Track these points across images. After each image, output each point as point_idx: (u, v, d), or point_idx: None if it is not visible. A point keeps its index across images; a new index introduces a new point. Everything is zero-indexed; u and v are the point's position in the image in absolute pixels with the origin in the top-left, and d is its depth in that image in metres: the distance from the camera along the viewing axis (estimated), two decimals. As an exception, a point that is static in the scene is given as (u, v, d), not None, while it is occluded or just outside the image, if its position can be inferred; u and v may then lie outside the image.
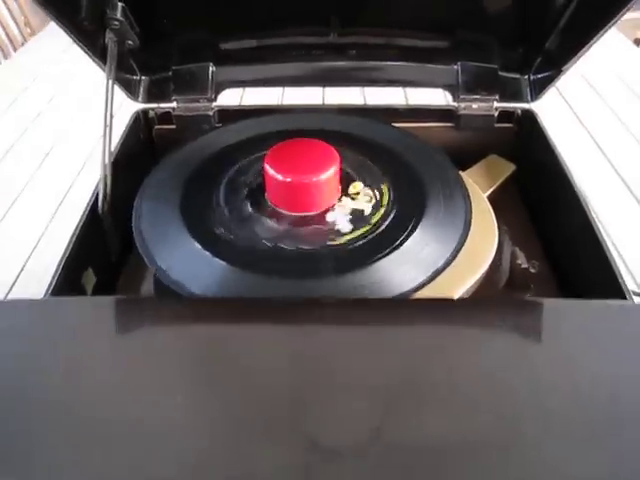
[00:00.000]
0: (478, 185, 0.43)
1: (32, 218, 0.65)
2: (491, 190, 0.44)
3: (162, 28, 0.46)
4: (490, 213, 0.41)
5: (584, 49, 0.40)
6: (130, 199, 0.39)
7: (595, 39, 0.39)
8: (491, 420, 0.21)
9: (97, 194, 0.39)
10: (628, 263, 0.54)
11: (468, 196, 0.37)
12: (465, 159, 0.47)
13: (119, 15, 0.41)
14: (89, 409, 0.21)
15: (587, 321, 0.25)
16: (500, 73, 0.47)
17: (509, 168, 0.46)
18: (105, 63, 0.41)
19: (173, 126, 0.50)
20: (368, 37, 0.48)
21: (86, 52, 0.41)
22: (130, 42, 0.43)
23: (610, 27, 0.38)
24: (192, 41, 0.47)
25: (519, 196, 0.48)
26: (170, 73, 0.48)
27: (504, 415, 0.21)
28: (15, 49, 1.27)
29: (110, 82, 0.41)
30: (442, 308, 0.27)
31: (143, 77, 0.48)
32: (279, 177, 0.35)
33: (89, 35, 0.40)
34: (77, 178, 0.72)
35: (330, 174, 0.35)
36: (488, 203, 0.42)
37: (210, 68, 0.48)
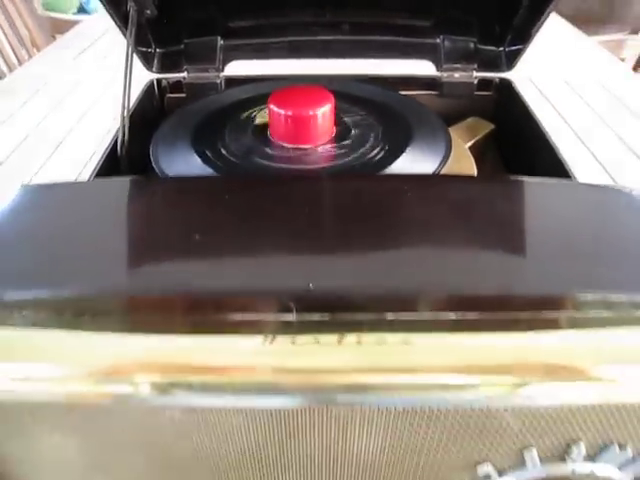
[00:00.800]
0: (460, 138, 0.48)
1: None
2: (471, 142, 0.49)
3: (176, 5, 0.52)
4: (470, 159, 0.45)
5: (541, 22, 0.47)
6: (142, 153, 0.44)
7: (547, 13, 0.45)
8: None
9: (116, 139, 0.44)
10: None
11: (448, 132, 0.42)
12: (448, 124, 0.52)
13: (140, -16, 0.46)
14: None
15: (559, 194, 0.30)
16: (478, 46, 0.53)
17: (488, 126, 0.51)
18: (127, 28, 0.47)
19: (183, 95, 0.55)
20: (359, 17, 0.54)
21: (111, 17, 0.46)
22: (148, 12, 0.48)
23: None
24: (202, 17, 0.53)
25: (498, 154, 0.53)
26: (182, 46, 0.53)
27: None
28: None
29: (130, 47, 0.47)
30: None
31: (158, 49, 0.53)
32: (281, 112, 0.40)
33: (114, 1, 0.46)
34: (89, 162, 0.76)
35: (326, 109, 0.40)
36: (468, 151, 0.46)
37: (218, 42, 0.53)
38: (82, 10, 1.90)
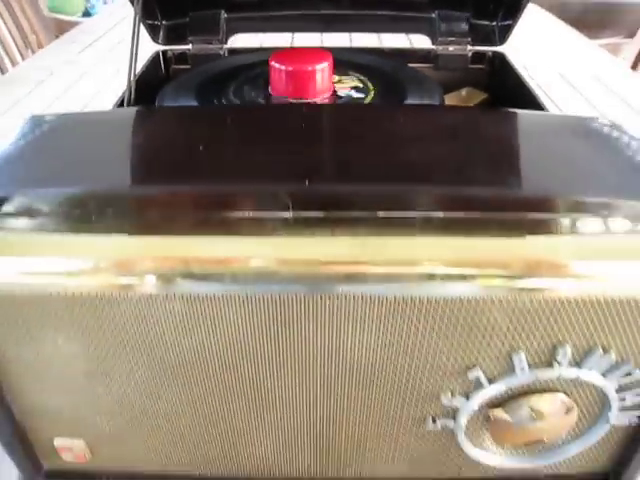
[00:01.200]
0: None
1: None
2: (466, 108, 0.50)
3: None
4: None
5: None
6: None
7: None
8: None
9: (122, 100, 0.45)
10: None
11: (441, 93, 0.44)
12: (443, 96, 0.54)
13: (146, -45, 0.48)
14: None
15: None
16: (472, 20, 0.55)
17: (482, 96, 0.53)
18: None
19: (188, 66, 0.57)
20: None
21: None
22: (155, -18, 0.50)
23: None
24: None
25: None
26: (187, 19, 0.55)
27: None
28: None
29: (137, 16, 0.49)
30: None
31: (164, 22, 0.55)
32: (282, 67, 0.41)
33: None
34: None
35: (324, 66, 0.42)
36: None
37: (222, 15, 0.55)
38: (87, 14, 1.94)
